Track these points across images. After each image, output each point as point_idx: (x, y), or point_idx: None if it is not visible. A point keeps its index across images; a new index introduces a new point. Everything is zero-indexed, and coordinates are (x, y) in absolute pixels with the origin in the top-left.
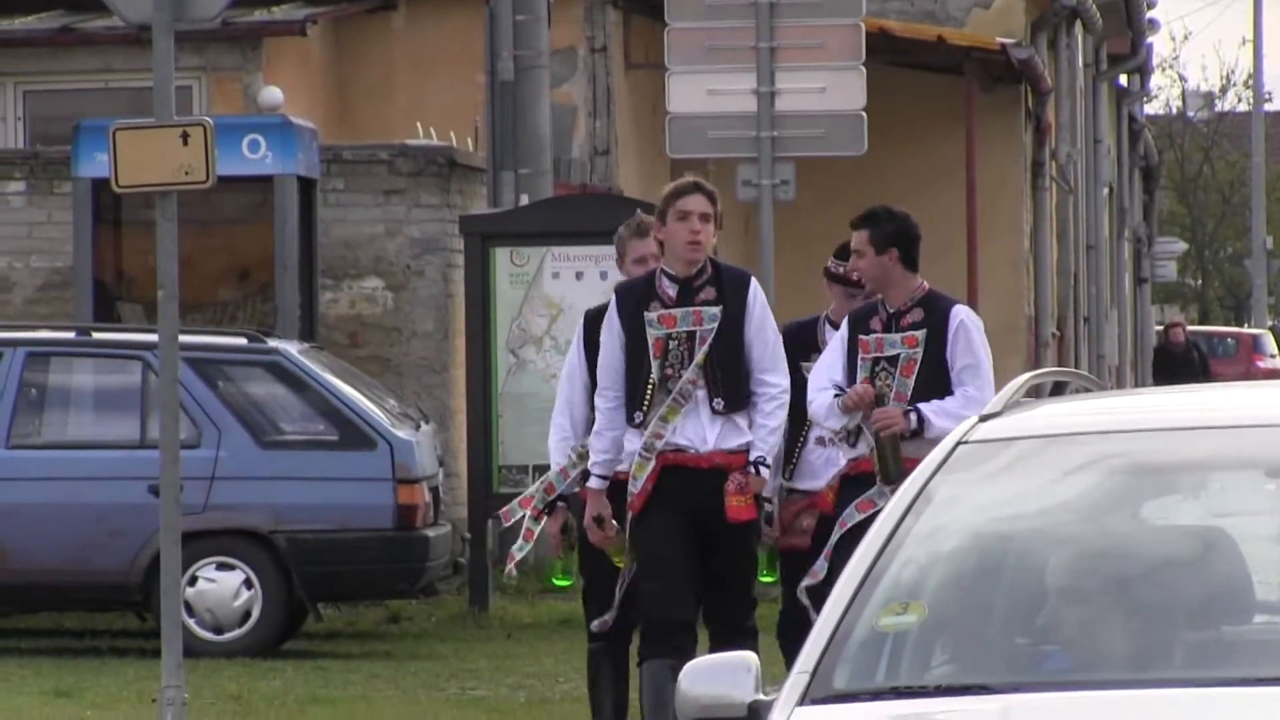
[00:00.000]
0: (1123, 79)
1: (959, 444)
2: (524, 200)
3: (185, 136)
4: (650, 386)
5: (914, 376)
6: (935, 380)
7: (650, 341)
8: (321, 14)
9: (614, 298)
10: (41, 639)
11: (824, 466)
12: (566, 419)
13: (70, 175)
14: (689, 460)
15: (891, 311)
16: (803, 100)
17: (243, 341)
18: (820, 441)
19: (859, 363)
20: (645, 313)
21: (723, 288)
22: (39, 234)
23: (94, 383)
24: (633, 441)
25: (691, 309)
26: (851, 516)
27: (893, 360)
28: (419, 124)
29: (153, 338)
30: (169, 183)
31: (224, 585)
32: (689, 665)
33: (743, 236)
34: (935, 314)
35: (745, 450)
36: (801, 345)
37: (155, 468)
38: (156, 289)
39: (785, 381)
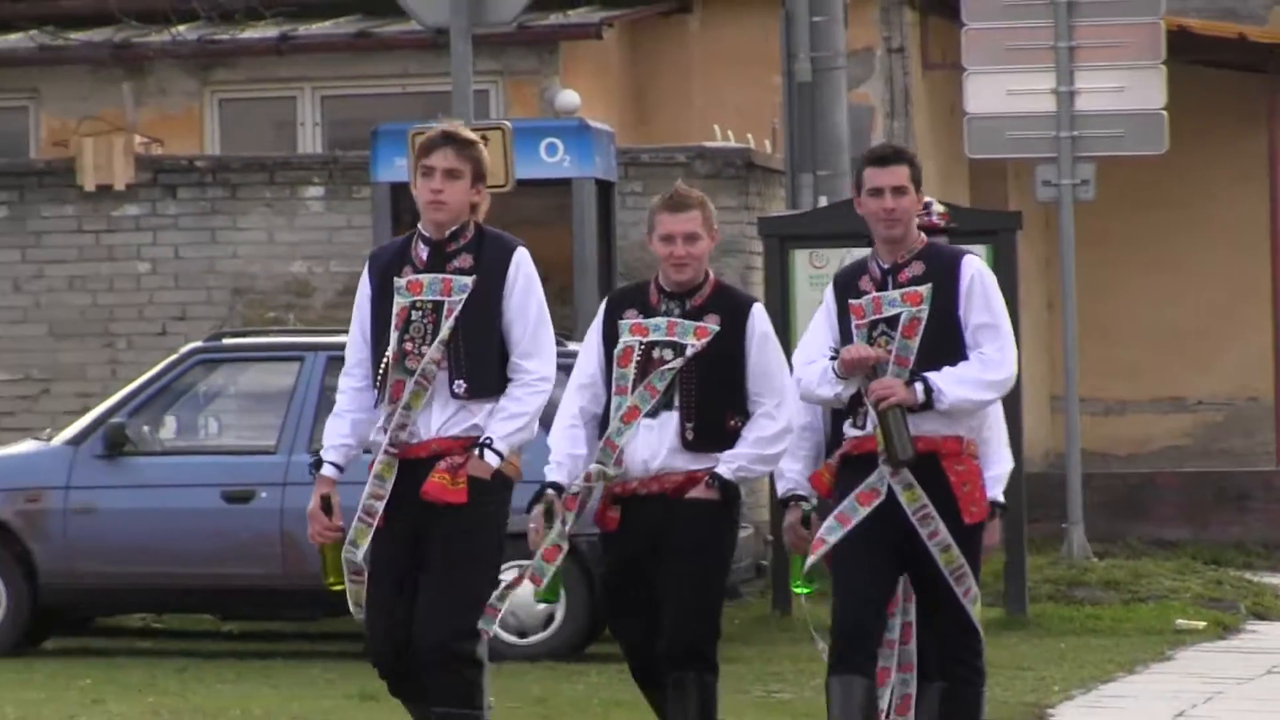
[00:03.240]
0: None
1: None
2: (822, 202)
3: (485, 140)
4: (385, 363)
5: (917, 337)
6: (943, 342)
7: (395, 310)
8: (617, 17)
9: (367, 261)
10: (346, 642)
11: None
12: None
13: (368, 180)
14: (413, 451)
15: (886, 267)
16: (1102, 100)
17: None
18: None
19: (853, 331)
20: (395, 278)
21: (482, 256)
22: (338, 239)
23: None
24: (377, 432)
25: (441, 276)
26: (853, 511)
27: (892, 321)
28: (716, 126)
29: None
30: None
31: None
32: None
33: (1043, 236)
34: (940, 266)
35: (474, 436)
36: None
37: None
38: None
39: (549, 370)
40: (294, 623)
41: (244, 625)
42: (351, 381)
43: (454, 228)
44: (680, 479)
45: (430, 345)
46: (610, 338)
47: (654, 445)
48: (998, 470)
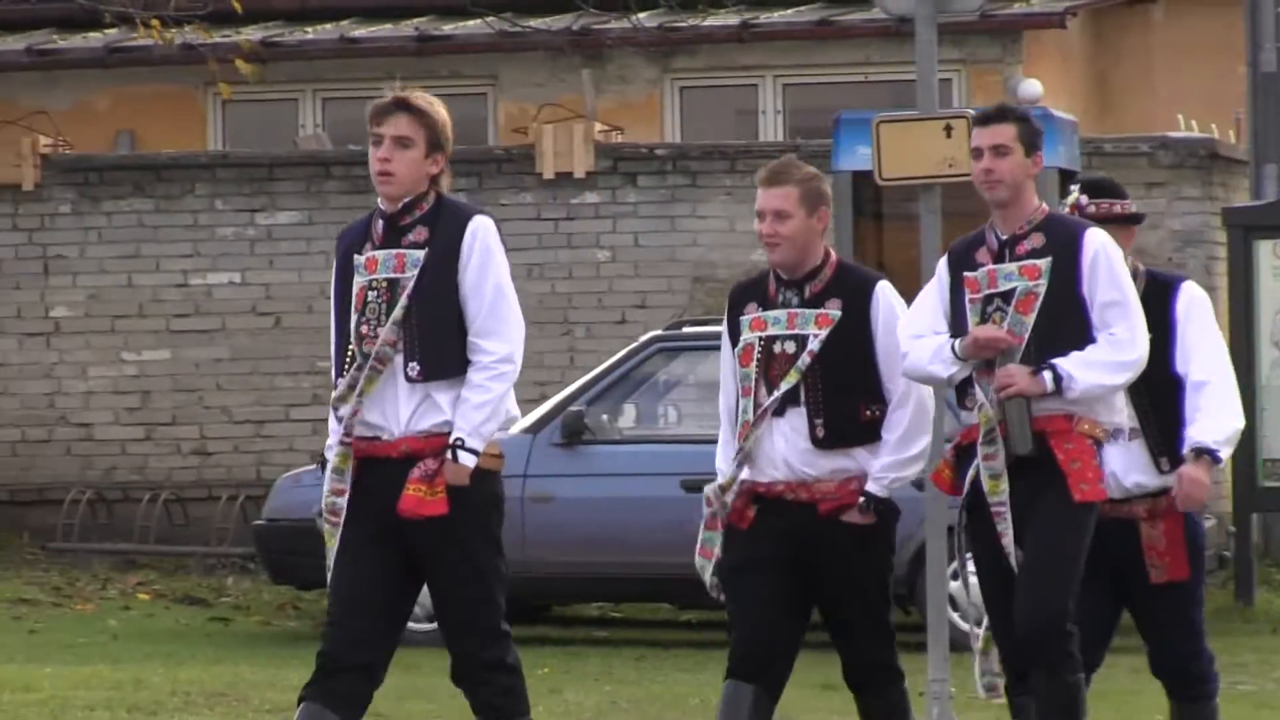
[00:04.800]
0: None
1: None
2: None
3: (949, 129)
4: (350, 349)
5: (1033, 314)
6: (1063, 320)
7: (355, 291)
8: (1081, 6)
9: (338, 240)
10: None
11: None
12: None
13: (830, 168)
14: (380, 449)
15: (1004, 238)
16: None
17: None
18: None
19: (966, 305)
20: (356, 255)
21: (438, 227)
22: None
23: None
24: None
25: (395, 251)
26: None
27: (1007, 296)
28: (1179, 116)
29: None
30: (932, 175)
31: None
32: None
33: None
34: (1062, 239)
35: (445, 432)
36: None
37: None
38: (919, 283)
39: (508, 349)
40: None
41: (703, 614)
42: (335, 371)
43: (408, 199)
44: (831, 492)
45: (385, 326)
46: (735, 336)
47: (786, 445)
48: (1220, 420)
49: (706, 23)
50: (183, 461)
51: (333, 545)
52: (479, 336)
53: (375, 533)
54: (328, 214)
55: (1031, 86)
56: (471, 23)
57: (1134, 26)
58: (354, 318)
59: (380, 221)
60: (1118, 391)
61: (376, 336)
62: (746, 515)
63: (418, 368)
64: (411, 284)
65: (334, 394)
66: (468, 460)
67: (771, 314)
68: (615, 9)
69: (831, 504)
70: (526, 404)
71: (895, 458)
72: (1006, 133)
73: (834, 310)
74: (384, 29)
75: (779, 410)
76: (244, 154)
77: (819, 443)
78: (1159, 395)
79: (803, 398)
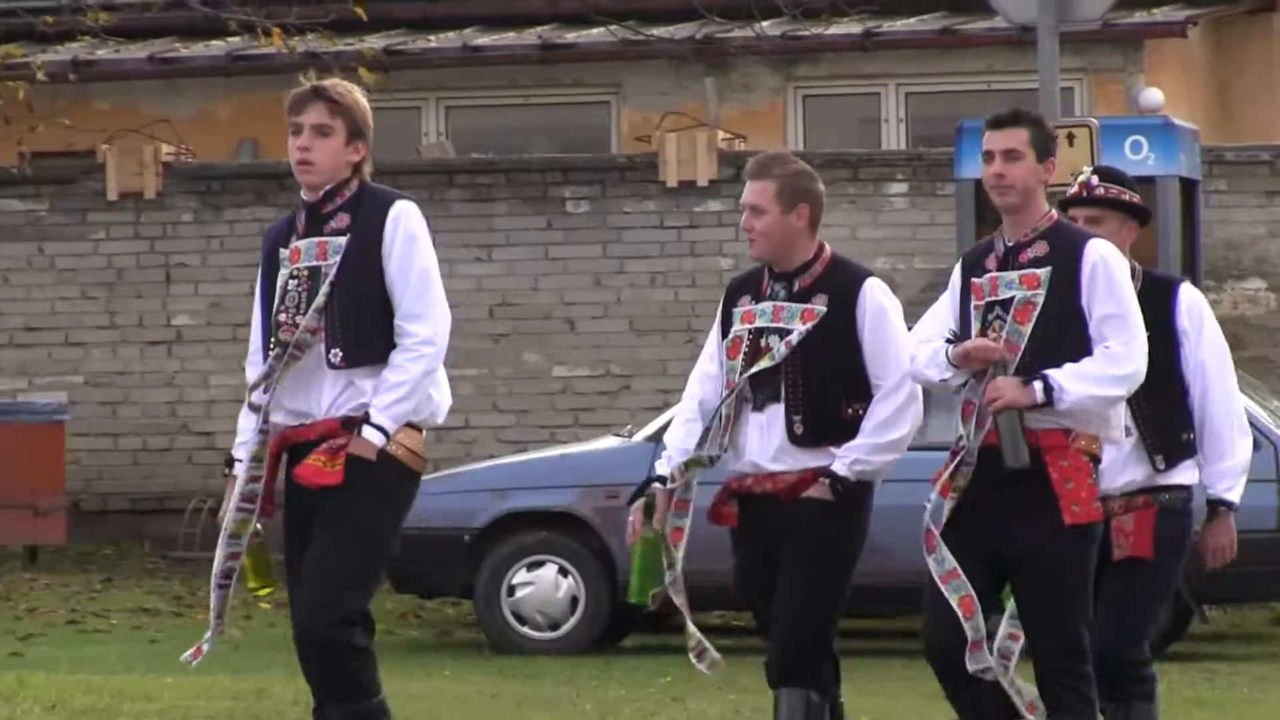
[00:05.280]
0: None
1: None
2: None
3: (1071, 137)
4: (273, 341)
5: (1030, 323)
6: (1061, 331)
7: (279, 282)
8: (1202, 15)
9: (264, 238)
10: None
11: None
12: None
13: (952, 177)
14: (302, 434)
15: (1010, 245)
16: None
17: None
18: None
19: (971, 312)
20: (282, 249)
21: (360, 214)
22: (921, 235)
23: None
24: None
25: (317, 240)
26: (938, 513)
27: (1007, 304)
28: None
29: None
30: (1055, 184)
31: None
32: None
33: None
34: (1064, 249)
35: (363, 414)
36: None
37: None
38: None
39: (433, 331)
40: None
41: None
42: (253, 368)
43: (329, 187)
44: (793, 479)
45: (305, 314)
46: (726, 328)
47: (763, 442)
48: (1225, 464)
49: (830, 31)
50: None
51: (245, 535)
52: (404, 320)
53: (309, 517)
54: (450, 221)
55: (1153, 95)
56: (595, 31)
57: (1255, 35)
58: (275, 308)
59: (303, 212)
60: (1113, 406)
61: (295, 325)
62: (730, 514)
63: (340, 354)
64: (334, 270)
65: (249, 384)
66: (373, 436)
67: (760, 306)
68: (739, 17)
69: (791, 486)
70: (650, 412)
71: (866, 441)
72: (1019, 137)
73: (820, 305)
74: (507, 37)
75: (759, 406)
76: None
77: (796, 440)
78: (1155, 392)
79: (782, 394)
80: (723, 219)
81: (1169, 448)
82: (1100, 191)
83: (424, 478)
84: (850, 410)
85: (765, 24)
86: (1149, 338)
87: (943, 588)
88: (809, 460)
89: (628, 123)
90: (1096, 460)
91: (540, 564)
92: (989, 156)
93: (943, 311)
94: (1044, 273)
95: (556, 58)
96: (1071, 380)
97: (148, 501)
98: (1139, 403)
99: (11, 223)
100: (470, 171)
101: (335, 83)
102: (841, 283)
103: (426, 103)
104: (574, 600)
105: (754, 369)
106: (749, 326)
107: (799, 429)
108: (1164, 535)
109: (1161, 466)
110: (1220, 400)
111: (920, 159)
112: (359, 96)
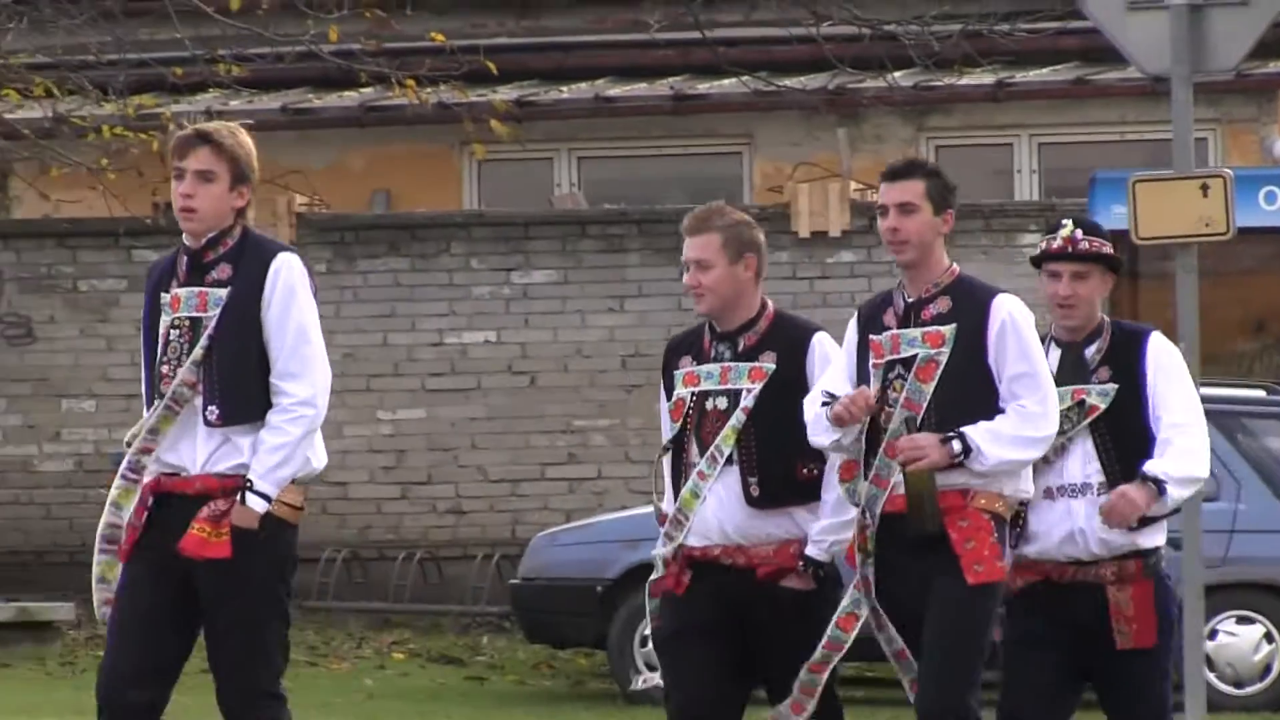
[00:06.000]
0: None
1: None
2: None
3: (1205, 188)
4: (156, 389)
5: (933, 382)
6: (964, 391)
7: (161, 330)
8: None
9: (147, 278)
10: None
11: (1056, 524)
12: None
13: None
14: (179, 485)
15: (910, 301)
16: None
17: (1260, 394)
18: (1048, 493)
19: (870, 370)
20: (163, 293)
21: (241, 265)
22: None
23: None
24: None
25: (198, 289)
26: (838, 640)
27: (909, 363)
28: None
29: None
30: (1189, 234)
31: (1244, 639)
32: None
33: None
34: (970, 305)
35: (242, 475)
36: None
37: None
38: (1176, 342)
39: (310, 392)
40: None
41: None
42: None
43: (212, 235)
44: (769, 557)
45: (184, 366)
46: (669, 391)
47: (720, 506)
48: (1177, 461)
49: (962, 82)
50: (438, 520)
51: (113, 578)
52: (280, 379)
53: (161, 569)
54: (583, 273)
55: None
56: (727, 81)
57: None
58: (158, 357)
59: (185, 258)
60: (1024, 467)
61: (175, 377)
62: (682, 581)
63: (216, 411)
64: (213, 324)
65: (129, 432)
66: (256, 504)
67: (704, 368)
68: (871, 68)
69: (770, 568)
70: None
71: (835, 519)
72: (914, 189)
73: (768, 364)
74: (639, 88)
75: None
76: (499, 213)
77: (754, 502)
78: (1126, 449)
79: (736, 455)
80: (855, 270)
81: None
82: (1085, 246)
83: (557, 529)
84: (805, 470)
85: (897, 74)
86: (1119, 390)
87: (895, 664)
88: (772, 528)
89: (760, 173)
90: (999, 519)
91: None
92: (884, 210)
93: (837, 368)
94: (948, 330)
95: (689, 108)
96: (989, 442)
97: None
98: (1110, 459)
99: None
100: (603, 222)
101: (220, 126)
102: (789, 338)
103: (559, 153)
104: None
105: (724, 449)
106: (692, 389)
107: (755, 491)
108: (1161, 614)
109: (1135, 526)
110: (1192, 419)
111: (1053, 209)
112: (244, 139)
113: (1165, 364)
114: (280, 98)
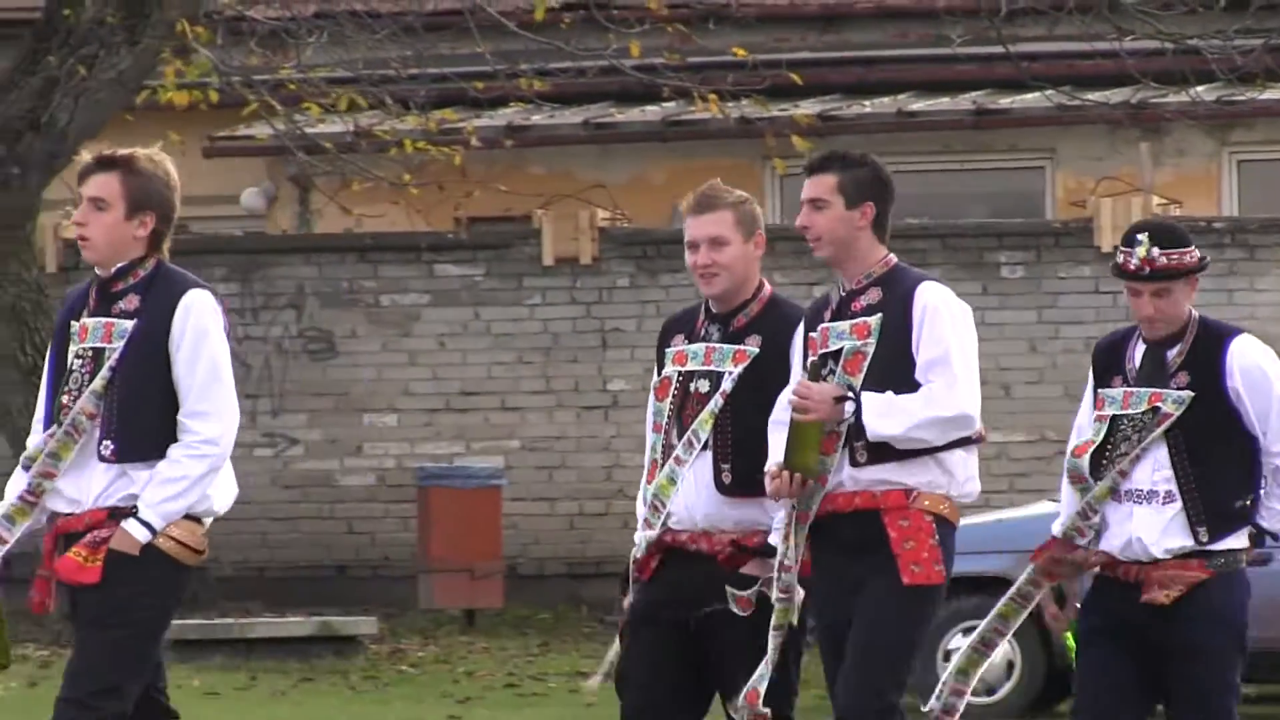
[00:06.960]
0: None
1: None
2: None
3: None
4: (55, 418)
5: (861, 374)
6: (893, 382)
7: (69, 358)
8: None
9: (62, 305)
10: None
11: (1117, 525)
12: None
13: None
14: (72, 524)
15: (844, 293)
16: None
17: None
18: (1117, 495)
19: (806, 367)
20: (73, 320)
21: (149, 298)
22: None
23: None
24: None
25: (104, 320)
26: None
27: (838, 355)
28: None
29: None
30: None
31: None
32: None
33: None
34: (896, 295)
35: (132, 505)
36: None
37: None
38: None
39: (218, 431)
40: None
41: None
42: (32, 438)
43: (121, 265)
44: (727, 545)
45: (84, 396)
46: (660, 369)
47: (692, 491)
48: None
49: (1264, 96)
50: None
51: None
52: (188, 417)
53: (73, 608)
54: None
55: None
56: (1029, 96)
57: None
58: (60, 384)
59: (95, 288)
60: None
61: (74, 406)
62: (649, 566)
63: (112, 446)
64: (116, 355)
65: (25, 454)
66: (137, 532)
67: (692, 347)
68: (1174, 83)
69: (728, 554)
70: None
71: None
72: (824, 184)
73: (751, 347)
74: (941, 102)
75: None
76: None
77: (725, 489)
78: (1202, 458)
79: (710, 440)
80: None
81: (1215, 518)
82: (1164, 263)
83: None
84: None
85: (1200, 89)
86: (1195, 399)
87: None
88: (741, 516)
89: (1062, 187)
90: (943, 521)
91: (975, 629)
92: (801, 207)
93: (793, 374)
94: (874, 320)
95: (990, 123)
96: (878, 412)
97: (584, 566)
98: (1184, 466)
99: (448, 288)
100: (905, 236)
101: (132, 152)
102: (776, 322)
103: None
104: (1010, 665)
105: (700, 434)
106: (679, 369)
107: (727, 478)
108: (1220, 613)
109: (1205, 540)
110: None
111: None
112: (148, 165)
113: (1249, 370)
114: (582, 112)
